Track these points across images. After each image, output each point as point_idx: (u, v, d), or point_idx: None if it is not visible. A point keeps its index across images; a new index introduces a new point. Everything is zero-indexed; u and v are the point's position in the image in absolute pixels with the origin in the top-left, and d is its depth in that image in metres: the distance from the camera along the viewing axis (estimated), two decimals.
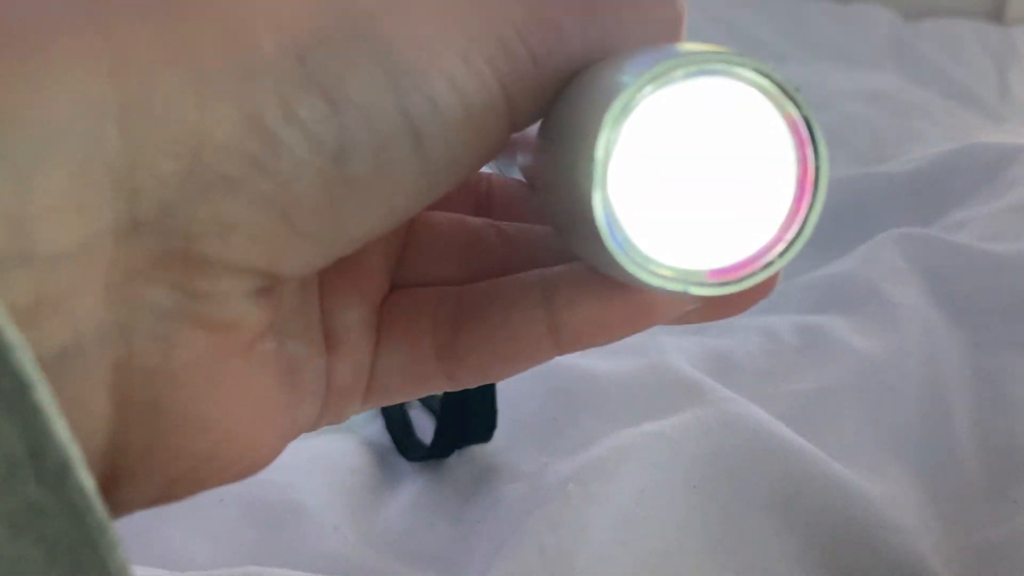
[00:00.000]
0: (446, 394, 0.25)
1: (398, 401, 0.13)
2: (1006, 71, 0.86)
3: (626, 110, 0.09)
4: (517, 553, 0.20)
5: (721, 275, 0.09)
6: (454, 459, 0.25)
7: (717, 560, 0.20)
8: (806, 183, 0.09)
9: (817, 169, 0.09)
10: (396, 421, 0.26)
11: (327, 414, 0.12)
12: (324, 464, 0.24)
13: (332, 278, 0.12)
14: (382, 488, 0.24)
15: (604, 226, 0.09)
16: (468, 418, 0.24)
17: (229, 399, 0.09)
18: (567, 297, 0.11)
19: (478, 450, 0.25)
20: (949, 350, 0.28)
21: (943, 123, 0.63)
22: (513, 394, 0.28)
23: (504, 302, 0.12)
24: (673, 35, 0.11)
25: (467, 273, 0.13)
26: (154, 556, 0.21)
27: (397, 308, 0.12)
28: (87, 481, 0.07)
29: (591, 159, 0.09)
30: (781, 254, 0.09)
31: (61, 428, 0.07)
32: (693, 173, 0.09)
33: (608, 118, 0.09)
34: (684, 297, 0.10)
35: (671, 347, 0.28)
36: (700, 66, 0.09)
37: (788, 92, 0.09)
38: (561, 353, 0.12)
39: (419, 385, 0.12)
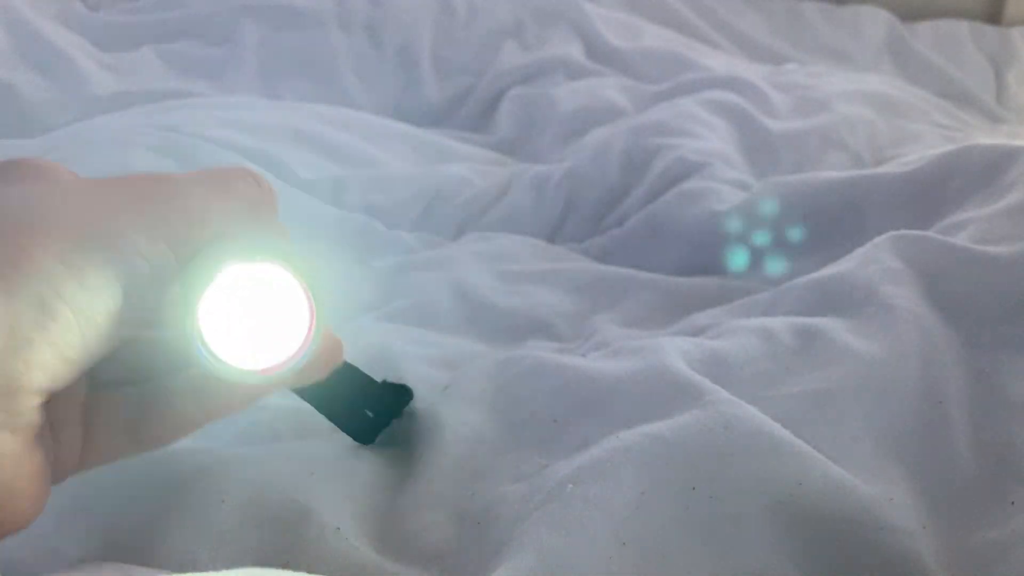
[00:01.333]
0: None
1: (106, 464, 0.19)
2: (1004, 72, 0.86)
3: (207, 280, 0.17)
4: (517, 554, 0.20)
5: (266, 371, 0.18)
6: (456, 459, 0.25)
7: (716, 561, 0.21)
8: (312, 322, 0.18)
9: (317, 315, 0.18)
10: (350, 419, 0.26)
11: (54, 477, 0.18)
12: (326, 466, 0.24)
13: None
14: (384, 489, 0.24)
15: (195, 348, 0.17)
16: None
17: (27, 473, 0.16)
18: (212, 388, 0.19)
19: (479, 450, 0.25)
20: (946, 351, 0.28)
21: (941, 124, 0.63)
22: (513, 396, 0.28)
23: (171, 395, 0.19)
24: (268, 206, 0.19)
25: (141, 372, 0.20)
26: (155, 557, 0.21)
27: (95, 406, 0.19)
28: None
29: (188, 311, 0.17)
30: (298, 362, 0.18)
31: None
32: (253, 313, 0.17)
33: (197, 286, 0.17)
34: (250, 382, 0.18)
35: (670, 349, 0.28)
36: (252, 256, 0.17)
37: (300, 273, 0.17)
38: (214, 420, 0.20)
39: (116, 455, 0.19)
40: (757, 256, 0.42)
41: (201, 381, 0.19)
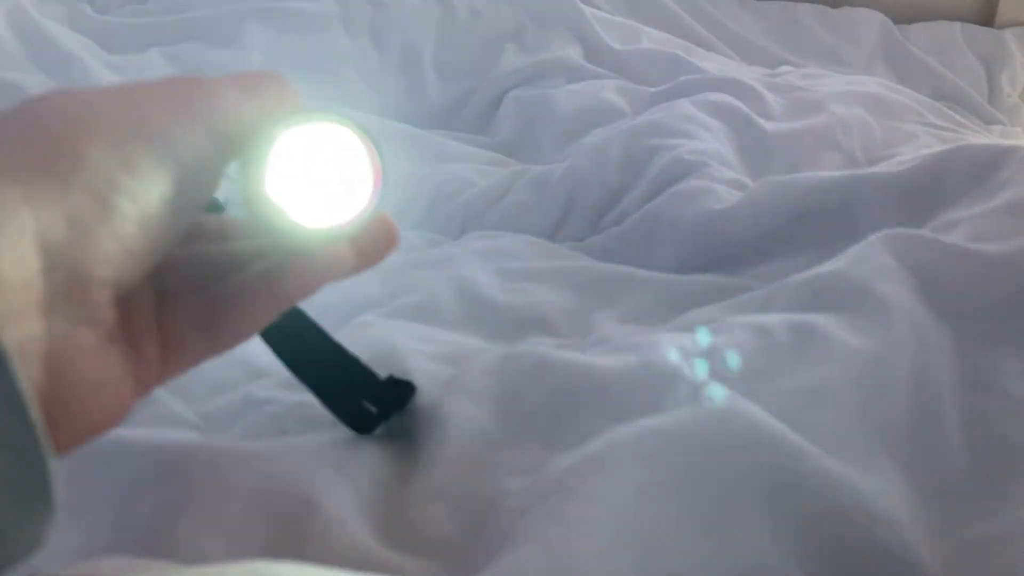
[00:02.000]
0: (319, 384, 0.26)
1: (188, 370, 0.20)
2: (996, 73, 0.86)
3: (270, 141, 0.17)
4: (518, 546, 0.20)
5: (335, 229, 0.18)
6: (458, 452, 0.25)
7: (713, 552, 0.21)
8: (378, 180, 0.19)
9: (384, 171, 0.19)
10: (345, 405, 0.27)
11: (139, 389, 0.18)
12: (331, 460, 0.24)
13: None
14: (388, 483, 0.25)
15: (265, 211, 0.18)
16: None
17: (108, 369, 0.16)
18: (278, 272, 0.19)
19: (481, 444, 0.26)
20: (939, 348, 0.28)
21: (934, 125, 0.64)
22: (515, 391, 0.28)
23: (241, 291, 0.20)
24: (294, 103, 0.19)
25: (205, 277, 0.20)
26: (163, 550, 0.21)
27: (166, 313, 0.19)
28: (38, 416, 0.13)
29: (255, 175, 0.18)
30: (364, 220, 0.19)
31: (25, 385, 0.13)
32: (318, 173, 0.18)
33: (261, 150, 0.17)
34: (323, 241, 0.18)
35: (668, 345, 0.29)
36: (309, 116, 0.18)
37: (361, 129, 0.18)
38: (285, 307, 0.20)
39: (196, 359, 0.20)
40: (753, 254, 0.43)
41: (269, 270, 0.19)
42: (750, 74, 0.69)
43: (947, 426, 0.26)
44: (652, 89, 0.67)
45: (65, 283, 0.15)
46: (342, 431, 0.27)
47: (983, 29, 0.92)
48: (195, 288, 0.20)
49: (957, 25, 0.91)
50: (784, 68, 0.77)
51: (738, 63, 0.81)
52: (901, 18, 0.93)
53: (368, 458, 0.25)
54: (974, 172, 0.40)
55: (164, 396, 0.29)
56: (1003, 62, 0.86)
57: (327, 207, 0.18)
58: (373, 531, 0.23)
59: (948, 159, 0.41)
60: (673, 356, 0.27)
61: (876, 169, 0.44)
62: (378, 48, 0.73)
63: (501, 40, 0.75)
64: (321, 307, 0.24)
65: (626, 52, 0.75)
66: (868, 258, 0.32)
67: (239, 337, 0.20)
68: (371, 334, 0.33)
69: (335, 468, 0.24)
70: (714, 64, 0.75)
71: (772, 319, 0.31)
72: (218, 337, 0.20)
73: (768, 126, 0.56)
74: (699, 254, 0.44)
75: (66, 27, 0.69)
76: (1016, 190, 0.36)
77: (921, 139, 0.58)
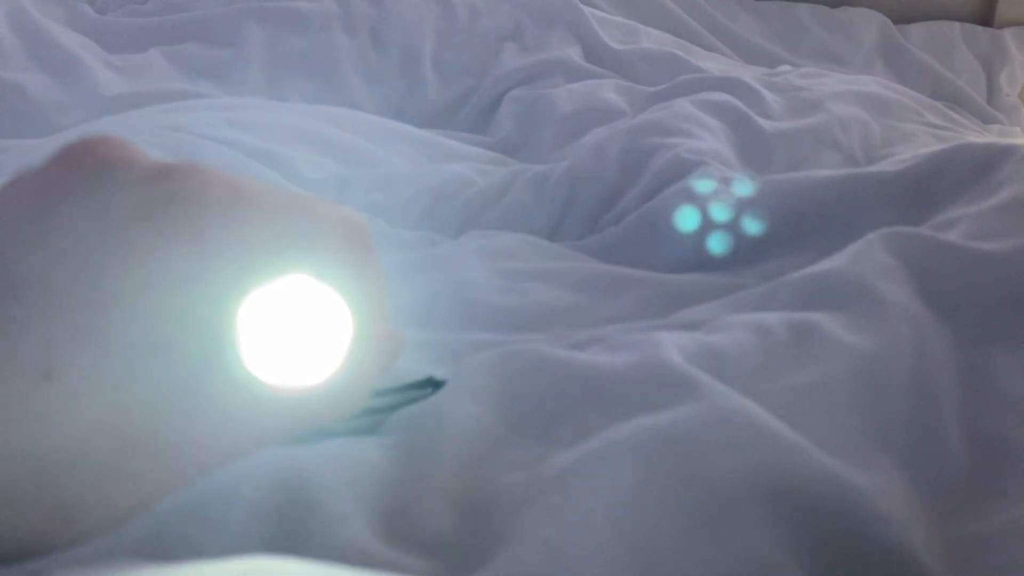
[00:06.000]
0: None
1: None
2: (995, 73, 0.86)
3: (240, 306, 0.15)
4: (517, 543, 0.21)
5: (293, 392, 0.16)
6: (457, 450, 0.25)
7: (712, 550, 0.21)
8: (348, 351, 0.17)
9: (360, 339, 0.17)
10: None
11: None
12: (331, 457, 0.24)
13: None
14: (387, 480, 0.25)
15: (236, 371, 0.15)
16: None
17: None
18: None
19: (480, 442, 0.26)
20: (938, 346, 0.29)
21: (933, 124, 0.64)
22: (514, 389, 0.28)
23: None
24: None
25: None
26: (164, 551, 0.21)
27: None
28: None
29: (227, 337, 0.15)
30: (334, 377, 0.17)
31: None
32: (298, 339, 0.16)
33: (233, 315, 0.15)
34: (284, 400, 0.16)
35: (667, 344, 0.29)
36: (284, 273, 0.16)
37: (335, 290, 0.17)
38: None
39: None
40: (751, 252, 0.43)
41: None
42: (749, 73, 0.69)
43: (945, 424, 0.26)
44: (651, 88, 0.67)
45: None
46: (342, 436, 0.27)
47: (982, 29, 0.92)
48: None
49: (956, 25, 0.92)
50: (783, 68, 0.77)
51: (737, 63, 0.81)
52: (900, 18, 0.93)
53: (367, 456, 0.25)
54: (973, 171, 0.40)
55: None
56: (1002, 62, 0.86)
57: (303, 365, 0.16)
58: (373, 529, 0.23)
59: (947, 158, 0.41)
60: (672, 354, 0.28)
61: (875, 168, 0.44)
62: (378, 48, 0.73)
63: (501, 40, 0.76)
64: None
65: (625, 52, 0.75)
66: (867, 256, 0.32)
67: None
68: None
69: (334, 466, 0.24)
70: (713, 64, 0.75)
71: (771, 317, 0.31)
72: None
73: (767, 125, 0.57)
74: (698, 253, 0.44)
75: (67, 27, 0.69)
76: (1014, 189, 0.36)
77: (920, 138, 0.58)
